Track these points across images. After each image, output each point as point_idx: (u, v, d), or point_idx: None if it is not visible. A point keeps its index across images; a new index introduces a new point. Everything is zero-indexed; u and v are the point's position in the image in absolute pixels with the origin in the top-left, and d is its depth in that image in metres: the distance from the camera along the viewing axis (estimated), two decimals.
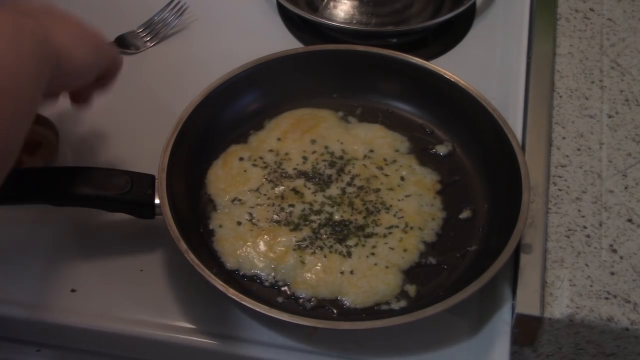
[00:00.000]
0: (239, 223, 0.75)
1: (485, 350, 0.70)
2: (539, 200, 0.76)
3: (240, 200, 0.77)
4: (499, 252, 0.69)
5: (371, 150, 0.82)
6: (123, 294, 0.73)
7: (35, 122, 0.83)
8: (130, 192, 0.72)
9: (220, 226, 0.75)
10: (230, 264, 0.73)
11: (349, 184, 0.78)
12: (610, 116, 0.84)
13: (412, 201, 0.77)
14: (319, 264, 0.72)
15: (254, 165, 0.80)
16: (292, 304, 0.71)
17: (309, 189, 0.78)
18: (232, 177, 0.79)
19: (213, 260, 0.73)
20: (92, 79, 0.71)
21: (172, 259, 0.74)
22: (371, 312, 0.70)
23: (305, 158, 0.81)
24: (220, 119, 0.83)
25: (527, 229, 0.73)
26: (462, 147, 0.83)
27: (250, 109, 0.85)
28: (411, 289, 0.72)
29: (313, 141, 0.82)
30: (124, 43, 0.94)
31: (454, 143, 0.83)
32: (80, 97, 0.75)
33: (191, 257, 0.68)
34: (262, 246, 0.73)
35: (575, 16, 0.94)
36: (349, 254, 0.73)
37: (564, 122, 0.84)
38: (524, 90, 0.88)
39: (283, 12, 1.00)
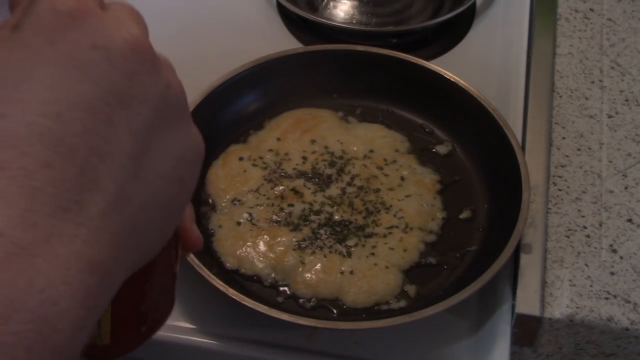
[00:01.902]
0: (239, 223, 0.75)
1: (485, 350, 0.70)
2: (539, 200, 0.76)
3: (240, 200, 0.77)
4: (499, 252, 0.69)
5: (371, 150, 0.82)
6: None
7: None
8: None
9: (220, 226, 0.75)
10: (230, 264, 0.73)
11: (349, 184, 0.78)
12: (610, 116, 0.84)
13: (412, 201, 0.77)
14: (319, 264, 0.72)
15: (254, 165, 0.80)
16: (292, 304, 0.71)
17: (309, 189, 0.78)
18: (231, 177, 0.79)
19: (213, 260, 0.73)
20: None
21: None
22: (371, 312, 0.70)
23: (305, 158, 0.81)
24: (220, 119, 0.83)
25: (527, 229, 0.73)
26: (462, 147, 0.83)
27: (250, 109, 0.85)
28: (411, 289, 0.72)
29: (313, 141, 0.82)
30: None
31: (454, 143, 0.83)
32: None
33: (191, 257, 0.68)
34: (262, 246, 0.73)
35: (575, 16, 0.94)
36: (349, 254, 0.73)
37: (564, 122, 0.84)
38: (524, 90, 0.88)
39: (283, 12, 1.00)
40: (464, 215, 0.78)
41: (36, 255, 0.31)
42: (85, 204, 0.33)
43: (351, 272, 0.72)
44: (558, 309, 0.70)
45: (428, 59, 0.89)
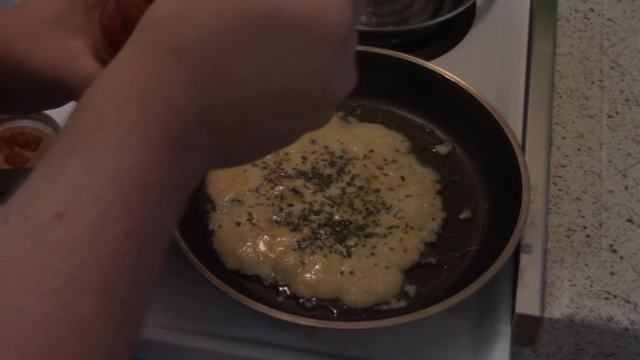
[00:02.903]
0: (239, 223, 0.75)
1: (485, 350, 0.70)
2: (539, 200, 0.76)
3: (239, 200, 0.77)
4: (499, 252, 0.69)
5: (371, 150, 0.82)
6: None
7: (37, 119, 0.83)
8: None
9: (220, 226, 0.75)
10: (230, 264, 0.73)
11: (349, 184, 0.78)
12: (610, 116, 0.84)
13: (412, 201, 0.77)
14: (319, 264, 0.72)
15: (254, 165, 0.80)
16: (292, 304, 0.71)
17: (309, 189, 0.78)
18: (231, 177, 0.79)
19: (213, 260, 0.73)
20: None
21: (172, 259, 0.74)
22: (371, 312, 0.70)
23: (304, 158, 0.81)
24: None
25: (527, 229, 0.73)
26: (462, 147, 0.83)
27: None
28: (411, 289, 0.72)
29: (313, 141, 0.82)
30: None
31: (454, 143, 0.83)
32: None
33: (191, 257, 0.68)
34: (262, 246, 0.73)
35: (575, 16, 0.94)
36: (349, 254, 0.73)
37: (564, 122, 0.84)
38: (524, 90, 0.88)
39: None
40: (464, 215, 0.78)
41: None
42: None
43: (351, 272, 0.72)
44: (558, 309, 0.70)
45: (428, 59, 0.89)
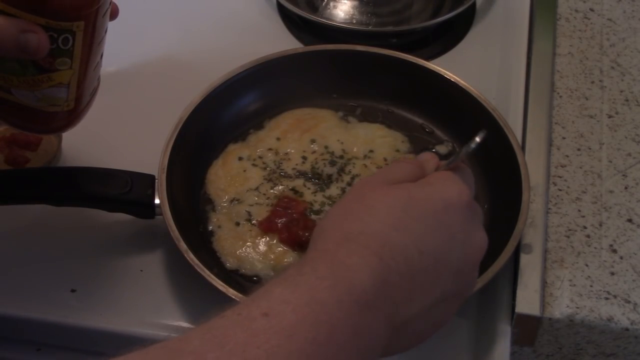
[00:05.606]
0: (238, 224, 0.75)
1: (485, 350, 0.70)
2: (539, 200, 0.76)
3: (239, 200, 0.77)
4: (499, 252, 0.69)
5: (371, 150, 0.82)
6: (123, 294, 0.73)
7: None
8: (130, 192, 0.72)
9: (220, 227, 0.75)
10: (230, 264, 0.73)
11: (349, 184, 0.78)
12: (610, 116, 0.84)
13: None
14: None
15: (254, 165, 0.80)
16: None
17: (309, 189, 0.78)
18: (231, 177, 0.79)
19: (213, 260, 0.73)
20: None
21: (172, 259, 0.74)
22: None
23: (304, 158, 0.81)
24: (220, 119, 0.83)
25: (527, 229, 0.73)
26: (462, 147, 0.83)
27: (250, 109, 0.85)
28: None
29: (313, 141, 0.82)
30: None
31: (454, 143, 0.83)
32: None
33: (191, 257, 0.68)
34: (261, 246, 0.73)
35: (575, 16, 0.95)
36: None
37: (564, 122, 0.84)
38: (524, 90, 0.88)
39: (283, 12, 1.00)
40: None
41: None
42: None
43: None
44: (558, 309, 0.70)
45: (428, 59, 0.89)
